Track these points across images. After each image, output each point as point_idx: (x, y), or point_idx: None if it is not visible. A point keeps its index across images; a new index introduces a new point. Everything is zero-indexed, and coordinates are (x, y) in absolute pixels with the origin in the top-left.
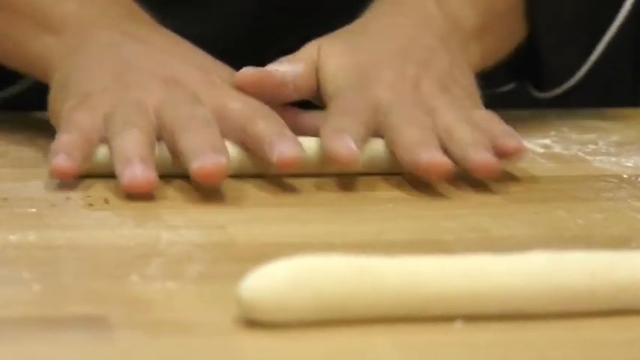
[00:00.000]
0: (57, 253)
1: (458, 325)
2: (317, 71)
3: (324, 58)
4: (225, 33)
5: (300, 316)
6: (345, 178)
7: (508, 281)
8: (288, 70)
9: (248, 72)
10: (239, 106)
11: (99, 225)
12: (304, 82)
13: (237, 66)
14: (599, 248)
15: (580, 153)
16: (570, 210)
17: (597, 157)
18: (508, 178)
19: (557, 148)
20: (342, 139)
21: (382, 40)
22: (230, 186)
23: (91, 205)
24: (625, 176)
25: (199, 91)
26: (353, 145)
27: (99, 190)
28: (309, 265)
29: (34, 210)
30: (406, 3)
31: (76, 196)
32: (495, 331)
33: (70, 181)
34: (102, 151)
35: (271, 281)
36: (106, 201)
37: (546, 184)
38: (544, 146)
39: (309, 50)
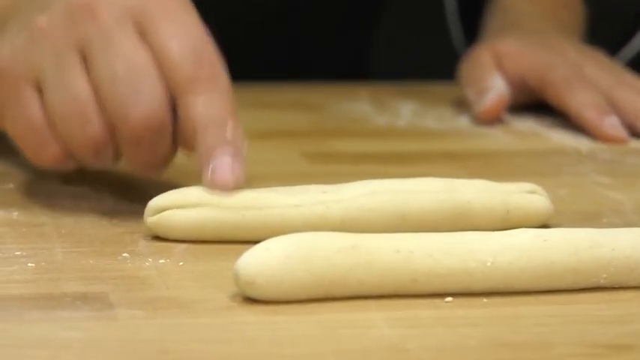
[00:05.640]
0: (42, 230)
1: (448, 301)
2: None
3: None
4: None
5: (295, 292)
6: None
7: (495, 259)
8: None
9: (494, 103)
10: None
11: (78, 200)
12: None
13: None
14: (570, 225)
15: (538, 127)
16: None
17: (555, 132)
18: (467, 152)
19: (514, 123)
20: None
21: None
22: None
23: (67, 180)
24: (584, 151)
25: None
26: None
27: None
28: (304, 242)
29: (11, 186)
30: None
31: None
32: (484, 306)
33: None
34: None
35: (267, 259)
36: (83, 175)
37: (508, 158)
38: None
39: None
